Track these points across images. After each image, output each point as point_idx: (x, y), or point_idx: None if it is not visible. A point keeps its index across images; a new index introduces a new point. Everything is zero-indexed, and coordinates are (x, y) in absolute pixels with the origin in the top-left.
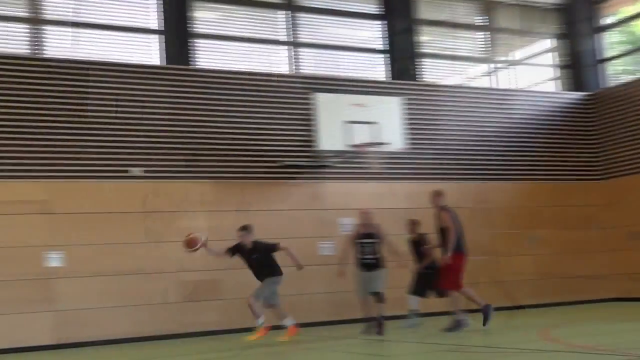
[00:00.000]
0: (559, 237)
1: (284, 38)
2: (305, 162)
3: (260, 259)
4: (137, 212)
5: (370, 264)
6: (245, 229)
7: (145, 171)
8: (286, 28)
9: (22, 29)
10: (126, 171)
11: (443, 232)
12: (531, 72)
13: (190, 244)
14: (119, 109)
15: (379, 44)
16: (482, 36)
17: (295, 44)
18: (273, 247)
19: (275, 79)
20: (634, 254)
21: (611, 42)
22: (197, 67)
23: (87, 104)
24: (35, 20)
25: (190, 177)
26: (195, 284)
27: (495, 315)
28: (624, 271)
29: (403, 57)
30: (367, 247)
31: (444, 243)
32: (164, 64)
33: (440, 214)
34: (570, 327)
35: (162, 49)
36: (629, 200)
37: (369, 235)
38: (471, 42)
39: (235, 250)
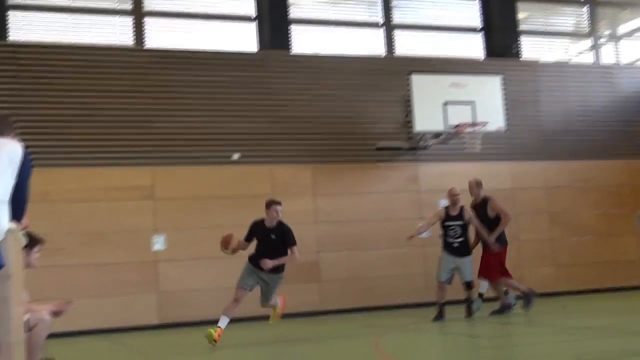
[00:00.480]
0: None
1: (379, 20)
2: (402, 144)
3: (277, 242)
4: (238, 197)
5: (457, 247)
6: (276, 203)
7: (244, 156)
8: (382, 9)
9: (125, 21)
10: (229, 157)
11: (490, 222)
12: (636, 46)
13: (224, 243)
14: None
15: (477, 23)
16: (584, 10)
17: (390, 26)
18: (290, 240)
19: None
20: None
21: None
22: (292, 52)
23: (189, 92)
24: (139, 13)
25: (291, 161)
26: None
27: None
28: None
29: (502, 35)
30: (453, 230)
31: (492, 232)
32: (261, 49)
33: (490, 203)
34: None
35: (259, 35)
36: None
37: (457, 218)
38: (572, 17)
39: (253, 230)
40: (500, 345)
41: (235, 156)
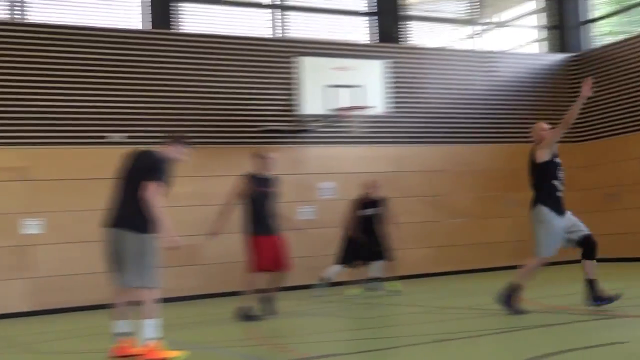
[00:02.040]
0: None
1: (267, 1)
2: (286, 126)
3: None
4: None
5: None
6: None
7: (128, 137)
8: None
9: None
10: (104, 137)
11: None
12: (516, 33)
13: None
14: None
15: (363, 6)
16: None
17: (278, 7)
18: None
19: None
20: (610, 215)
21: (597, 3)
22: (179, 31)
23: (67, 70)
24: None
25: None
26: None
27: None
28: (601, 232)
29: (387, 20)
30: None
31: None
32: (148, 28)
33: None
34: (545, 287)
35: (145, 13)
36: (606, 162)
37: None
38: (457, 4)
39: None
40: (370, 325)
41: (117, 137)
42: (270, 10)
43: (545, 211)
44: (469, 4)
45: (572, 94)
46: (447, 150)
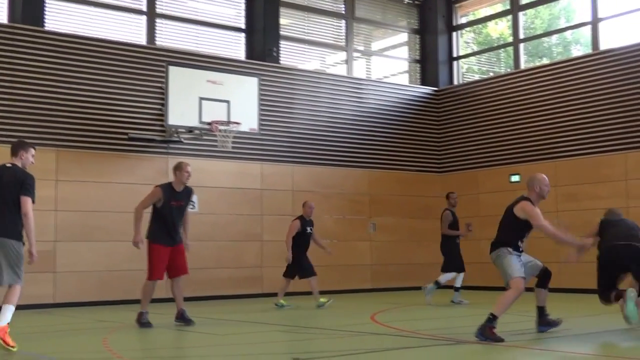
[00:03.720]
0: (400, 225)
1: (142, 7)
2: (154, 135)
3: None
4: None
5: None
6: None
7: None
8: None
9: None
10: None
11: None
12: (386, 64)
13: None
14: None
15: (240, 23)
16: (342, 24)
17: (153, 15)
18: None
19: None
20: (465, 245)
21: (464, 41)
22: (46, 29)
23: None
24: None
25: (34, 144)
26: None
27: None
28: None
29: (263, 38)
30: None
31: None
32: (15, 23)
33: None
34: (399, 312)
35: (10, 7)
36: (463, 194)
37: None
38: (331, 29)
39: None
40: (225, 342)
41: None
42: (144, 17)
43: (505, 251)
44: (341, 31)
45: (433, 127)
46: (313, 172)
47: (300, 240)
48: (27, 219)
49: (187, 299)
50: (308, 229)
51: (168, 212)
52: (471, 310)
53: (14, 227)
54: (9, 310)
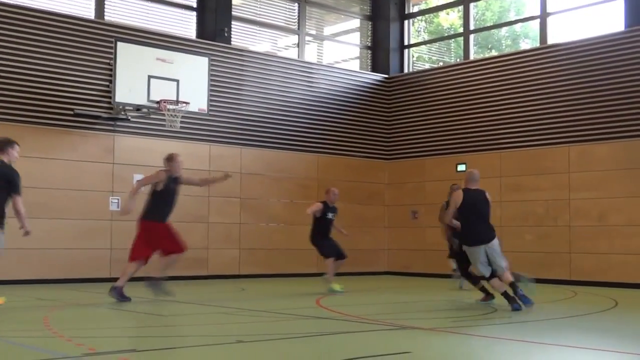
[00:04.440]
0: (347, 211)
1: None
2: (100, 112)
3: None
4: None
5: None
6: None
7: None
8: None
9: None
10: None
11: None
12: (338, 49)
13: None
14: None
15: (192, 1)
16: (295, 7)
17: None
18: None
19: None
20: (411, 232)
21: (415, 29)
22: None
23: None
24: None
25: None
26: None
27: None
28: (401, 247)
29: (215, 18)
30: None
31: None
32: None
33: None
34: (344, 297)
35: None
36: (409, 182)
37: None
38: (283, 12)
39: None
40: (169, 323)
41: None
42: None
43: None
44: (294, 14)
45: (382, 114)
46: (262, 154)
47: (321, 225)
48: (20, 214)
49: (134, 280)
50: (330, 214)
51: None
52: (418, 297)
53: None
54: None
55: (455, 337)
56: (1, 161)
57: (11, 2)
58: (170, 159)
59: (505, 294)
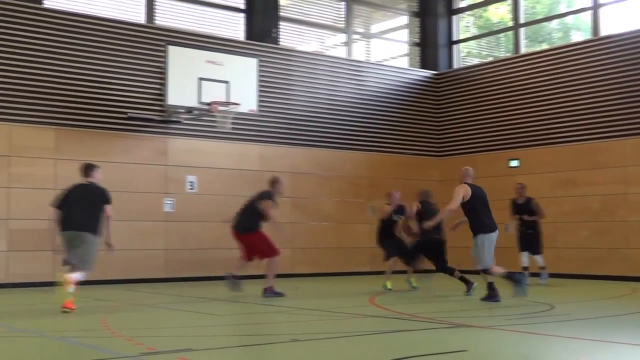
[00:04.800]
0: None
1: None
2: (153, 115)
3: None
4: None
5: None
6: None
7: None
8: None
9: None
10: None
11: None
12: (386, 46)
13: None
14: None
15: (240, 3)
16: (342, 5)
17: None
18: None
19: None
20: (463, 228)
21: (464, 24)
22: (45, 6)
23: None
24: None
25: (32, 122)
26: (25, 233)
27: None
28: (455, 245)
29: (263, 19)
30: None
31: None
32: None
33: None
34: (398, 295)
35: None
36: (459, 178)
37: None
38: (331, 11)
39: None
40: (224, 322)
41: None
42: None
43: None
44: (341, 13)
45: (432, 110)
46: (312, 154)
47: (386, 225)
48: (110, 219)
49: (189, 279)
50: (395, 216)
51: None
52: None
53: (95, 223)
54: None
55: (512, 335)
56: (91, 182)
57: (66, 9)
58: (275, 182)
59: (491, 285)
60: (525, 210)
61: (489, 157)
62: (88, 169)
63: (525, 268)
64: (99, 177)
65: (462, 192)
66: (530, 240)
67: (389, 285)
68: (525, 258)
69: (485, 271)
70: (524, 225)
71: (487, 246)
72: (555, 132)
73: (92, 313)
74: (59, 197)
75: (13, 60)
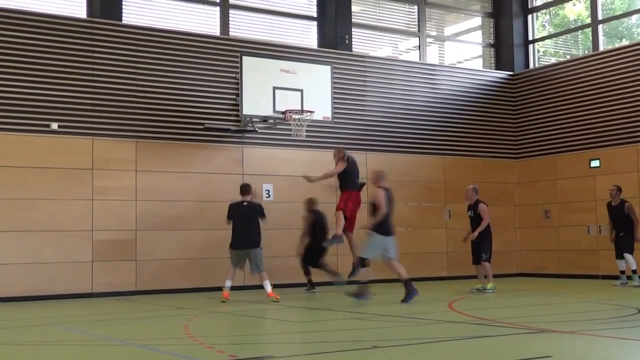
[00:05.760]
0: None
1: None
2: (229, 125)
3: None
4: (55, 167)
5: None
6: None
7: (61, 126)
8: None
9: None
10: (47, 126)
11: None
12: (460, 48)
13: None
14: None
15: (312, 11)
16: (414, 9)
17: (226, 6)
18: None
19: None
20: (543, 232)
21: (540, 23)
22: (122, 22)
23: (4, 55)
24: None
25: (113, 135)
26: (109, 244)
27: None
28: (534, 248)
29: (335, 26)
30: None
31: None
32: (93, 17)
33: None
34: (477, 300)
35: (88, 2)
36: (539, 180)
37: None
38: (403, 15)
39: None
40: (304, 329)
41: (54, 125)
42: (218, 9)
43: None
44: (413, 17)
45: (508, 112)
46: (387, 159)
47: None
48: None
49: (262, 287)
50: (469, 212)
51: None
52: (555, 299)
53: (257, 238)
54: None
55: (598, 340)
56: (249, 201)
57: (143, 24)
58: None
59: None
60: (618, 213)
61: (569, 158)
62: (246, 189)
63: (623, 272)
64: (257, 196)
65: (378, 196)
66: (620, 242)
67: (490, 285)
68: (620, 263)
69: (363, 262)
70: (615, 227)
71: (386, 245)
72: (637, 130)
73: (175, 320)
74: None
75: (94, 76)
